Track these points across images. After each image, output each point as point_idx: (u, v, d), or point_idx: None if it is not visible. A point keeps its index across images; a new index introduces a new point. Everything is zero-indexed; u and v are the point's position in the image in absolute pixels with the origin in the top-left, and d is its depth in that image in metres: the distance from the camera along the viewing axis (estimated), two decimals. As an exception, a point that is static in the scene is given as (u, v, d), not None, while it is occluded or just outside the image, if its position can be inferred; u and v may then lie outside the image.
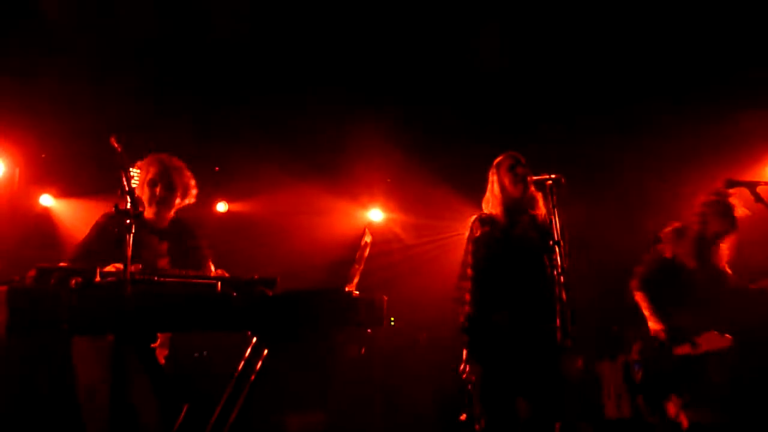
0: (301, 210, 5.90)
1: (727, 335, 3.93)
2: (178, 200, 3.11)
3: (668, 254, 4.00)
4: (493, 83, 5.18)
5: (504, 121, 5.01)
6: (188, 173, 3.14)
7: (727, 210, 3.92)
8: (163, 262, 3.08)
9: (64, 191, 5.48)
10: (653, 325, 3.94)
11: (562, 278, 2.95)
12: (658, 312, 3.95)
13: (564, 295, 2.95)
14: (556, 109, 4.86)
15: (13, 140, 5.13)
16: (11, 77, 4.69)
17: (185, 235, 3.17)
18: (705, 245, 3.95)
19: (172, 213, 3.15)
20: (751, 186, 3.40)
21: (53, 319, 2.27)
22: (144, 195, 3.05)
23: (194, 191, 3.16)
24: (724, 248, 3.97)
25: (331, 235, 5.63)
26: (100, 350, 2.71)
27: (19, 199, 5.31)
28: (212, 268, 3.20)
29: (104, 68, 4.88)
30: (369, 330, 5.02)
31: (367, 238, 3.13)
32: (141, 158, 3.17)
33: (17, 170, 5.06)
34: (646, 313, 3.98)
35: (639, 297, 4.03)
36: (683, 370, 3.88)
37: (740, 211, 3.93)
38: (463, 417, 3.32)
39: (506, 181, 3.41)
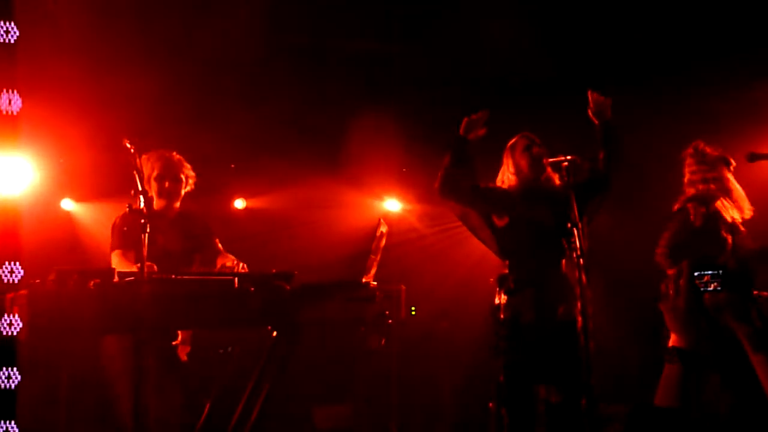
0: (318, 204, 5.90)
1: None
2: (183, 191, 3.41)
3: (698, 222, 3.78)
4: (507, 67, 5.11)
5: (516, 103, 4.93)
6: (187, 164, 3.46)
7: (714, 158, 3.79)
8: (176, 246, 3.30)
9: (84, 195, 5.54)
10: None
11: (581, 261, 2.92)
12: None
13: (584, 278, 2.92)
14: (564, 91, 4.76)
15: (34, 146, 5.19)
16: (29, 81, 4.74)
17: (192, 223, 3.45)
18: (727, 202, 3.77)
19: (178, 204, 3.42)
20: (774, 158, 3.30)
21: (73, 320, 2.30)
22: (152, 189, 3.27)
23: (193, 180, 3.47)
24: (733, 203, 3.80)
25: (348, 227, 5.62)
26: (122, 349, 2.74)
27: (41, 204, 5.38)
28: (220, 247, 3.45)
29: (119, 69, 4.92)
30: (390, 321, 5.03)
31: (383, 229, 3.13)
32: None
33: (39, 175, 5.13)
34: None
35: (683, 265, 3.64)
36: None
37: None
38: (492, 406, 3.30)
39: (522, 163, 3.36)
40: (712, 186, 3.76)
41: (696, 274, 1.67)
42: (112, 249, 3.21)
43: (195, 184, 3.48)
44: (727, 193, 3.76)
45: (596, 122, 3.35)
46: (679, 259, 3.68)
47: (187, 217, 3.44)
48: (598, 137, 3.36)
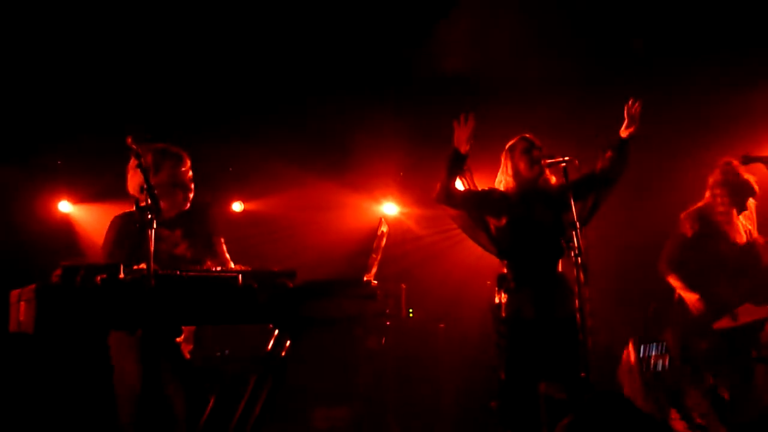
0: (316, 206, 5.93)
1: (766, 306, 3.85)
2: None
3: (689, 233, 3.96)
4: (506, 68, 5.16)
5: (511, 105, 4.98)
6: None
7: (739, 183, 3.89)
8: (181, 248, 3.16)
9: (81, 197, 5.55)
10: (689, 296, 3.85)
11: (579, 259, 2.97)
12: (693, 286, 3.87)
13: (582, 276, 2.96)
14: (558, 88, 4.81)
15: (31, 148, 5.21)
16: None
17: (195, 220, 3.27)
18: (724, 221, 3.92)
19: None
20: (767, 161, 3.39)
21: (80, 315, 2.31)
22: (163, 193, 2.98)
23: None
24: (746, 220, 3.94)
25: (346, 230, 5.65)
26: (129, 345, 2.76)
27: (38, 206, 5.39)
28: (227, 256, 3.30)
29: (121, 70, 4.95)
30: (388, 322, 5.06)
31: (384, 228, 3.16)
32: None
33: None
34: (680, 289, 3.90)
35: (671, 278, 3.95)
36: (725, 344, 3.79)
37: (753, 180, 3.89)
38: (494, 404, 3.33)
39: (521, 165, 3.42)
40: (725, 206, 3.87)
41: (641, 355, 1.70)
42: (102, 255, 3.03)
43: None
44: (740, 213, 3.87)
45: (623, 136, 3.31)
46: (674, 270, 3.91)
47: (189, 215, 3.23)
48: (614, 143, 3.34)
